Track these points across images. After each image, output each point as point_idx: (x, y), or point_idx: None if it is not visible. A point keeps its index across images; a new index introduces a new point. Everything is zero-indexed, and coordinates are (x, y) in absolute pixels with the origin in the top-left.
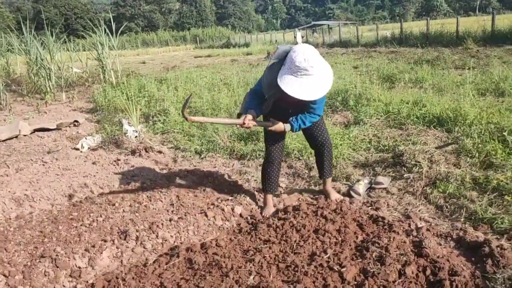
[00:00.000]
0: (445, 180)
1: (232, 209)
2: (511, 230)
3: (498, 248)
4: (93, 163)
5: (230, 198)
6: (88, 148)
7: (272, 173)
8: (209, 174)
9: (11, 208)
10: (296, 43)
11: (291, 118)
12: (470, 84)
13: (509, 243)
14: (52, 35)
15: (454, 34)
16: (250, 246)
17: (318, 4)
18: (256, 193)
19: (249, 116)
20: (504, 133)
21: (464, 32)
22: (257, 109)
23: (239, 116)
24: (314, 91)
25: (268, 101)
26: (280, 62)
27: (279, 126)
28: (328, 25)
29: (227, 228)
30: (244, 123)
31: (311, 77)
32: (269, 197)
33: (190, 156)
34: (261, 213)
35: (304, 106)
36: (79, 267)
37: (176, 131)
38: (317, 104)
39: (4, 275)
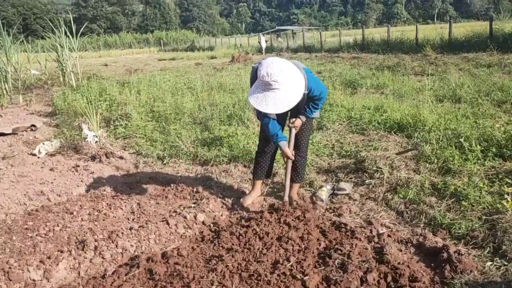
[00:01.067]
0: (405, 186)
1: (195, 217)
2: (468, 235)
3: (456, 254)
4: (51, 169)
5: (192, 205)
6: (46, 153)
7: (262, 162)
8: (171, 181)
9: None
10: (261, 48)
11: (303, 110)
12: (429, 90)
13: (466, 248)
14: (9, 35)
15: (414, 41)
16: (213, 255)
17: (283, 9)
18: (219, 199)
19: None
20: (460, 139)
21: (423, 39)
22: (285, 137)
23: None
24: (278, 105)
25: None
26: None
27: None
28: (292, 30)
29: (189, 236)
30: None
31: (277, 91)
32: (257, 183)
33: (152, 162)
34: (243, 200)
35: (305, 102)
36: (34, 280)
37: (138, 136)
38: (314, 87)
39: None
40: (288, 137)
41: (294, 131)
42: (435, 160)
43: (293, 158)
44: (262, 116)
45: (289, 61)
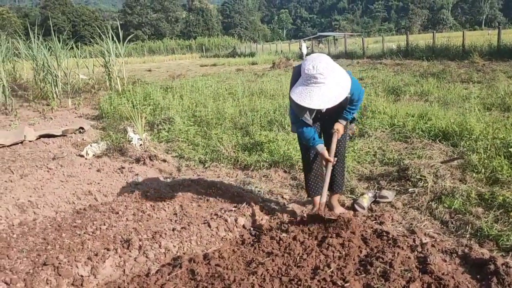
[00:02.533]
0: (450, 195)
1: (236, 220)
2: None
3: (504, 266)
4: (98, 170)
5: (233, 208)
6: (93, 155)
7: (311, 178)
8: (212, 184)
9: (15, 215)
10: (301, 54)
11: (343, 113)
12: (476, 98)
13: None
14: (59, 41)
15: (460, 48)
16: (253, 258)
17: (324, 15)
18: (260, 204)
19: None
20: (510, 149)
21: (470, 46)
22: (321, 141)
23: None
24: (324, 100)
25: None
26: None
27: (339, 128)
28: (334, 36)
29: (230, 239)
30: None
31: (321, 85)
32: (315, 199)
33: (194, 165)
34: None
35: (340, 108)
36: (82, 276)
37: (180, 140)
38: (354, 90)
39: (6, 283)
40: (324, 142)
41: (336, 137)
42: (483, 170)
43: (334, 161)
44: (296, 125)
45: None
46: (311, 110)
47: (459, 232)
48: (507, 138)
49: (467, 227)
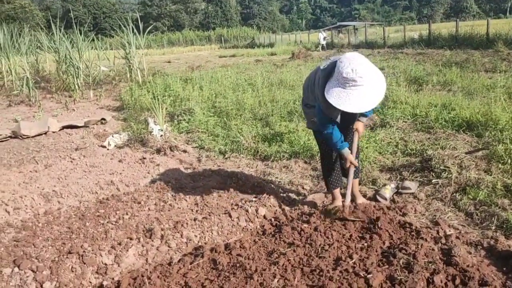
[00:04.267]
0: (475, 186)
1: (256, 211)
2: None
3: None
4: (119, 161)
5: (253, 199)
6: (115, 146)
7: (330, 171)
8: (233, 175)
9: (40, 204)
10: (321, 45)
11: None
12: (501, 87)
13: None
14: (80, 33)
15: (484, 36)
16: (274, 249)
17: (344, 4)
18: (280, 195)
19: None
20: None
21: (495, 34)
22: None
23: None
24: (364, 103)
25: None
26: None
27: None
28: (354, 25)
29: (251, 229)
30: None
31: (360, 87)
32: (336, 191)
33: (214, 156)
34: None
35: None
36: (105, 264)
37: (200, 131)
38: None
39: (32, 270)
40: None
41: (357, 137)
42: (509, 161)
43: (357, 164)
44: (325, 127)
45: (353, 52)
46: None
47: (484, 224)
48: None
49: (493, 219)
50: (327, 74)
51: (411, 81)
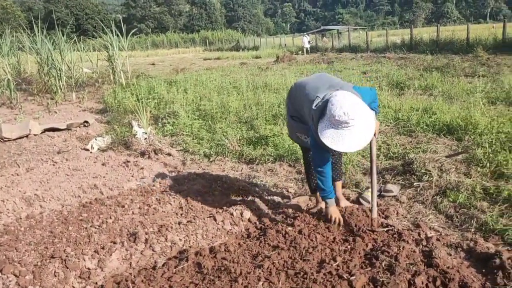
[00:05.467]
0: (455, 189)
1: (241, 214)
2: None
3: (509, 260)
4: (103, 164)
5: (238, 202)
6: (98, 149)
7: (312, 175)
8: (218, 178)
9: (22, 208)
10: (303, 48)
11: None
12: (480, 92)
13: None
14: (63, 35)
15: (465, 41)
16: (259, 252)
17: (328, 8)
18: (265, 198)
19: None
20: None
21: (475, 39)
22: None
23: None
24: (356, 142)
25: None
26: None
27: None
28: (338, 30)
29: (235, 232)
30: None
31: (352, 127)
32: (318, 195)
33: (199, 159)
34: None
35: None
36: (89, 268)
37: (185, 134)
38: (375, 96)
39: (15, 275)
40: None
41: (374, 138)
42: (488, 164)
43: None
44: (320, 162)
45: (341, 91)
46: None
47: (464, 226)
48: None
49: (472, 221)
50: (319, 114)
51: (394, 85)
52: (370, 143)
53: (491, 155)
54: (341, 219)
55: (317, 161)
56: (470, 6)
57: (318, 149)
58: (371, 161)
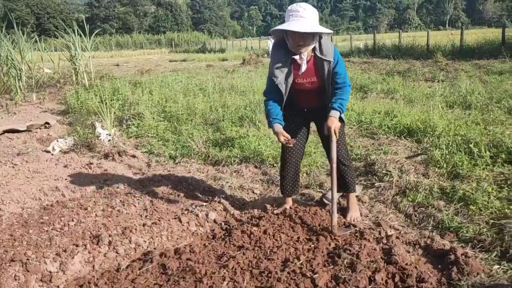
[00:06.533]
0: (414, 189)
1: (206, 215)
2: (475, 238)
3: (463, 256)
4: (65, 166)
5: (204, 204)
6: (60, 151)
7: (287, 178)
8: (183, 180)
9: None
10: (268, 51)
11: (330, 104)
12: (439, 96)
13: (473, 251)
14: (23, 34)
15: (425, 47)
16: (224, 252)
17: None
18: (231, 199)
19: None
20: (470, 145)
21: (435, 45)
22: (282, 121)
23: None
24: (302, 26)
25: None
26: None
27: (336, 125)
28: None
29: (201, 233)
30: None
31: (302, 19)
32: (287, 199)
33: (164, 161)
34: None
35: (323, 88)
36: (50, 272)
37: (150, 136)
38: (341, 72)
39: None
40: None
41: (335, 139)
42: (444, 165)
43: (291, 143)
44: (268, 95)
45: None
46: (287, 73)
47: (422, 225)
48: (468, 135)
49: (430, 220)
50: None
51: (357, 89)
52: (331, 144)
53: (448, 156)
54: (287, 135)
55: (266, 90)
56: (430, 13)
57: (269, 79)
58: (330, 162)
